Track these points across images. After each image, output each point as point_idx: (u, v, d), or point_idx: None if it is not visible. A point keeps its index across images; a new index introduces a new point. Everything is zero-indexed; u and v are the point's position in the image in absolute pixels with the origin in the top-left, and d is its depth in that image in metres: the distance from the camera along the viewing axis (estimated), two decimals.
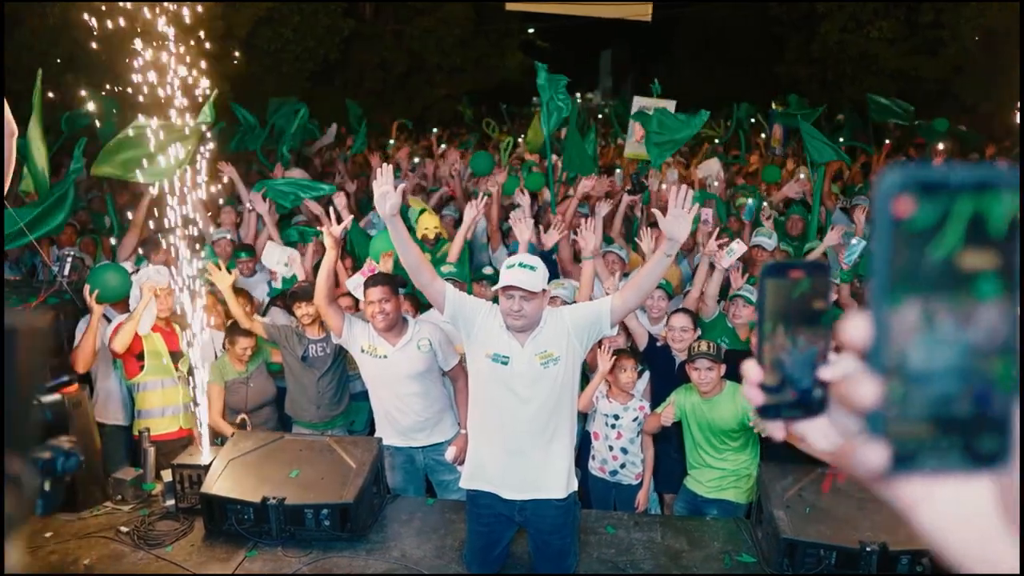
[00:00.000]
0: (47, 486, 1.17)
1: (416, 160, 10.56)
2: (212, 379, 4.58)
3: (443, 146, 11.74)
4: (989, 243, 0.44)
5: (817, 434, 0.88)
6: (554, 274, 5.16)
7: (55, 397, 1.28)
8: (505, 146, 10.43)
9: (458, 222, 6.93)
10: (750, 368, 0.87)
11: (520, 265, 3.02)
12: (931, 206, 0.44)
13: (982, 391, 0.44)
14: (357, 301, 4.95)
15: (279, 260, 5.58)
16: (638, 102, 8.45)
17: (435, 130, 14.34)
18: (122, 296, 4.53)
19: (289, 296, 4.74)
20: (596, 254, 4.70)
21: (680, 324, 4.39)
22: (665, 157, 6.84)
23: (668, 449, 4.29)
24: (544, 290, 3.07)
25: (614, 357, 4.09)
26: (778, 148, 11.67)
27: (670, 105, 8.23)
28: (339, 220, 4.03)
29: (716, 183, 8.26)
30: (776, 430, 0.89)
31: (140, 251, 5.74)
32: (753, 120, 13.65)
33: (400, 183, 3.22)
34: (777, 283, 0.71)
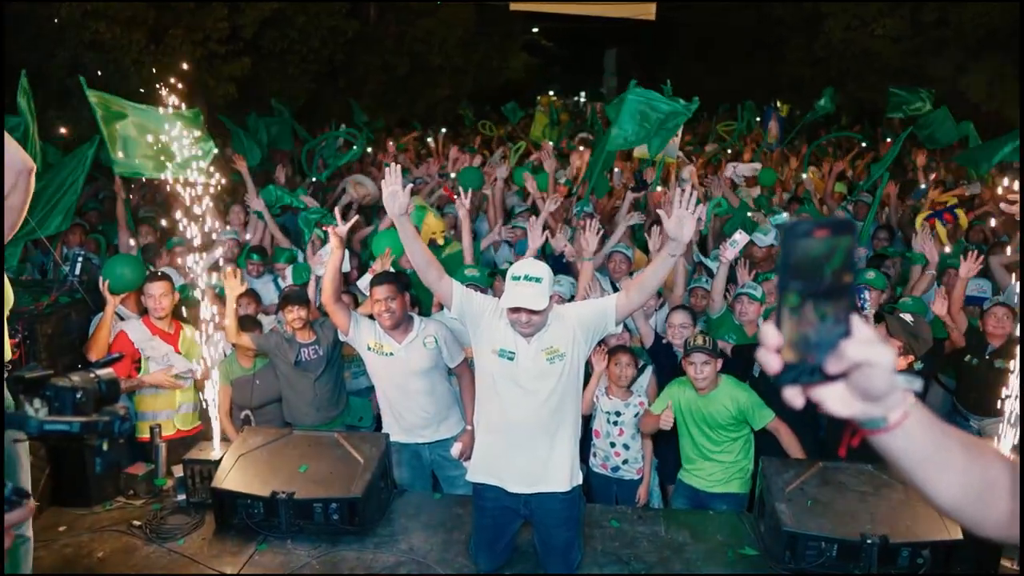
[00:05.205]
0: (104, 446, 1.31)
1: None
2: (218, 379, 4.62)
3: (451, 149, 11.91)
4: None
5: (835, 398, 0.93)
6: (564, 271, 5.22)
7: (108, 371, 1.41)
8: (516, 148, 10.68)
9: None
10: (768, 332, 0.89)
11: (526, 278, 3.01)
12: None
13: None
14: (355, 299, 4.97)
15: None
16: None
17: (443, 129, 14.50)
18: (134, 287, 4.53)
19: (280, 300, 4.66)
20: (592, 254, 4.74)
21: (679, 321, 4.42)
22: (662, 148, 6.57)
23: (673, 440, 4.30)
24: (551, 295, 3.10)
25: (608, 356, 4.13)
26: (774, 143, 11.70)
27: None
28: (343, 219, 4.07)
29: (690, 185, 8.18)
30: (794, 396, 0.92)
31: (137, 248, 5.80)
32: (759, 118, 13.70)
33: (408, 183, 3.27)
34: (802, 244, 0.86)
